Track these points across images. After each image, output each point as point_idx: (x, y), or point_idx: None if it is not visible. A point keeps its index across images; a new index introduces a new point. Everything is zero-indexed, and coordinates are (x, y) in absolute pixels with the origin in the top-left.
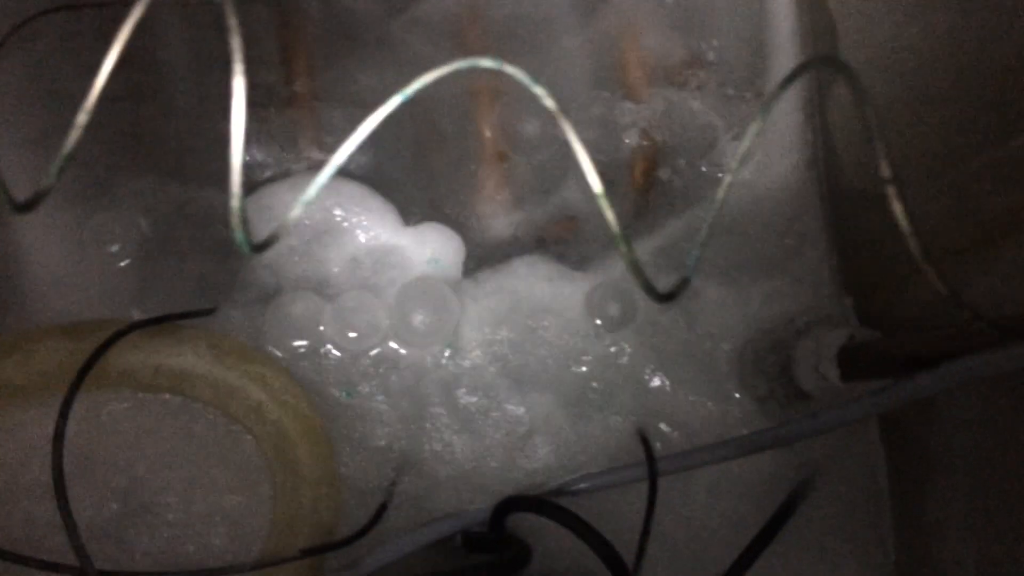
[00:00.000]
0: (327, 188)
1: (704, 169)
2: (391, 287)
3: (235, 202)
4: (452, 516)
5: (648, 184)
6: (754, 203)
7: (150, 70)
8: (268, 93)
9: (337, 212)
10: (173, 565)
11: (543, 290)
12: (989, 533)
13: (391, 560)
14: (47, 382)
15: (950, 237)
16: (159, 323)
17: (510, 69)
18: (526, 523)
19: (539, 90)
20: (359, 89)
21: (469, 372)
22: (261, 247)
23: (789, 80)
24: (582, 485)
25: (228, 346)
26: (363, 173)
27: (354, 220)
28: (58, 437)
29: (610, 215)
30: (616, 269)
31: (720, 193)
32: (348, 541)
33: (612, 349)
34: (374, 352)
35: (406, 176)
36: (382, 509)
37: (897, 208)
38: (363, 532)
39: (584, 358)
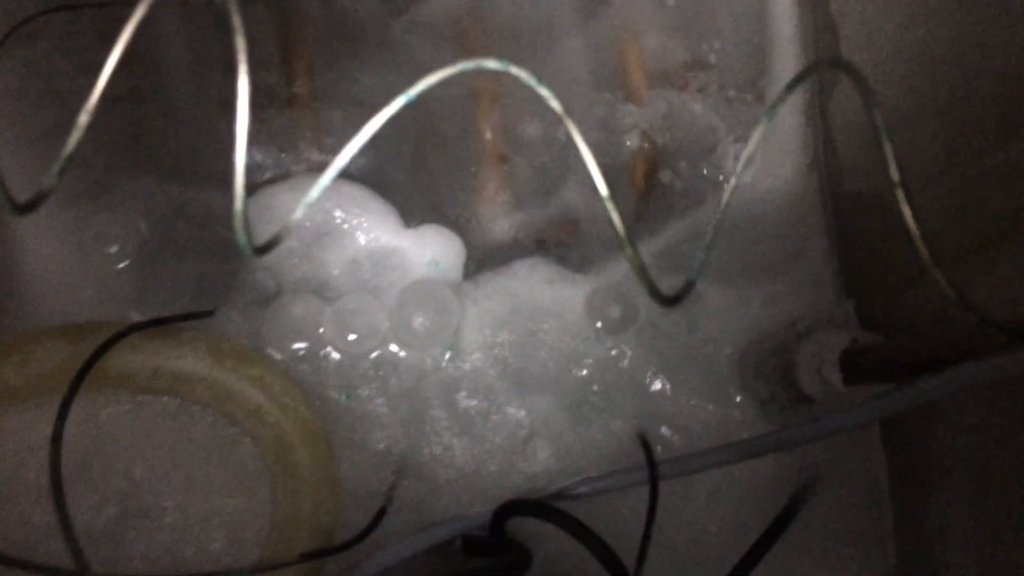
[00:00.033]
0: (327, 189)
1: (705, 172)
2: (391, 289)
3: (238, 204)
4: (452, 520)
5: (649, 186)
6: (755, 206)
7: (150, 70)
8: (268, 94)
9: (337, 214)
10: (171, 569)
11: (544, 292)
12: (991, 539)
13: (390, 564)
14: (45, 384)
15: (951, 240)
16: (158, 325)
17: (516, 71)
18: (526, 527)
19: (545, 91)
20: (359, 90)
21: (469, 375)
22: (263, 249)
23: (796, 82)
24: (582, 489)
25: (227, 348)
26: (363, 175)
27: (354, 222)
28: (56, 439)
29: (617, 218)
30: (617, 272)
31: (725, 196)
32: (347, 545)
33: (613, 352)
34: (374, 355)
35: (407, 178)
36: (381, 513)
37: (906, 211)
38: (362, 536)
39: (585, 361)
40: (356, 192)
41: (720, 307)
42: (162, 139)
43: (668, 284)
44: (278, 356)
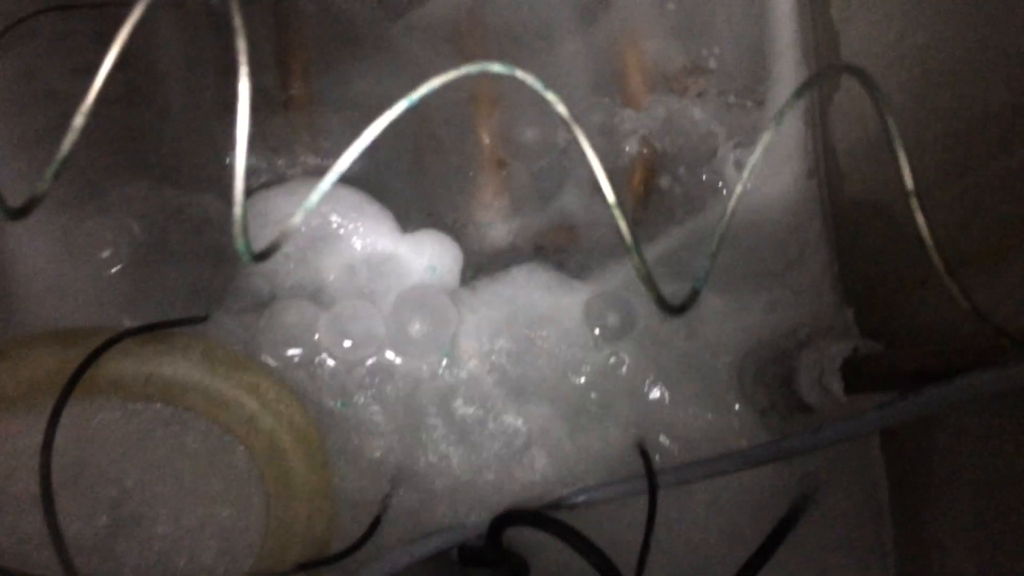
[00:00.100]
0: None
1: (705, 177)
2: (388, 295)
3: (237, 209)
4: (448, 530)
5: (648, 192)
6: (754, 213)
7: (144, 72)
8: (263, 97)
9: (333, 218)
10: None
11: (542, 299)
12: (993, 550)
13: (386, 575)
14: (36, 390)
15: (955, 248)
16: (151, 331)
17: (522, 75)
18: (523, 537)
19: (551, 96)
20: (357, 93)
21: (466, 382)
22: (262, 256)
23: (805, 87)
24: (580, 498)
25: (221, 355)
26: (360, 179)
27: (350, 227)
28: (46, 447)
29: (624, 226)
30: (615, 278)
31: (731, 204)
32: (342, 555)
33: (611, 360)
34: (370, 362)
35: (404, 183)
36: (376, 522)
37: (920, 220)
38: (357, 546)
39: (583, 369)
40: (352, 197)
41: (719, 314)
42: (156, 142)
43: (668, 291)
44: (272, 363)
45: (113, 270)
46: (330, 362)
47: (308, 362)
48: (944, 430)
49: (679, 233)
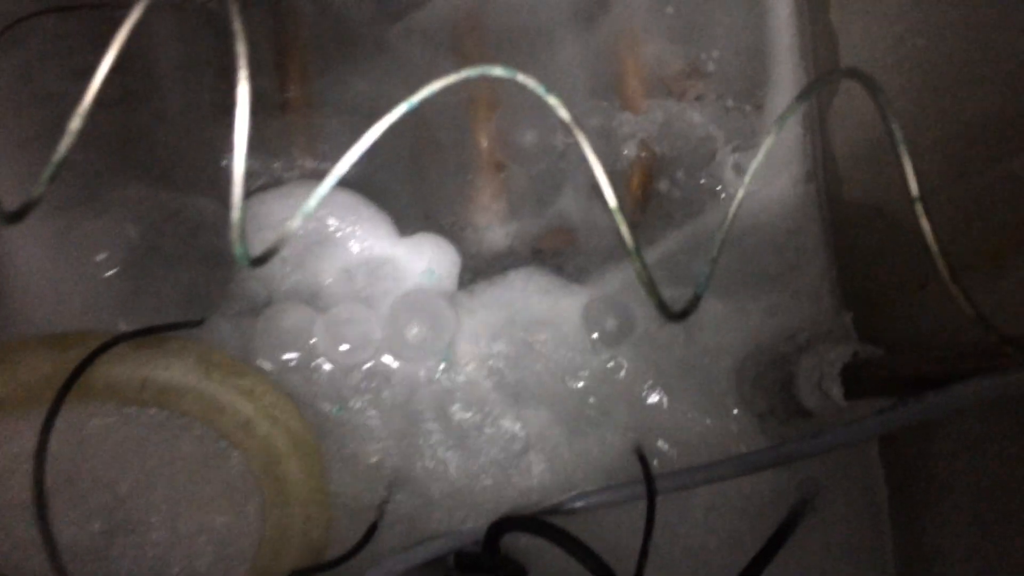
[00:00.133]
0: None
1: (703, 181)
2: (385, 299)
3: (235, 214)
4: (445, 536)
5: (646, 196)
6: (753, 217)
7: (141, 75)
8: (260, 99)
9: (330, 222)
10: None
11: (539, 303)
12: (991, 556)
13: None
14: (30, 395)
15: (953, 253)
16: (146, 335)
17: (523, 78)
18: (521, 543)
19: (553, 100)
20: (354, 96)
21: (463, 387)
22: (260, 260)
23: (808, 91)
24: (578, 504)
25: (217, 359)
26: (357, 182)
27: (347, 230)
28: (40, 452)
29: (625, 230)
30: (614, 282)
31: (732, 208)
32: (338, 561)
33: (609, 364)
34: (366, 366)
35: (401, 185)
36: (373, 528)
37: (926, 226)
38: (354, 552)
39: (581, 373)
40: (349, 200)
41: (718, 318)
42: (152, 144)
43: (666, 296)
44: (269, 367)
45: (109, 273)
46: (326, 366)
47: (304, 366)
48: (943, 436)
49: (677, 237)
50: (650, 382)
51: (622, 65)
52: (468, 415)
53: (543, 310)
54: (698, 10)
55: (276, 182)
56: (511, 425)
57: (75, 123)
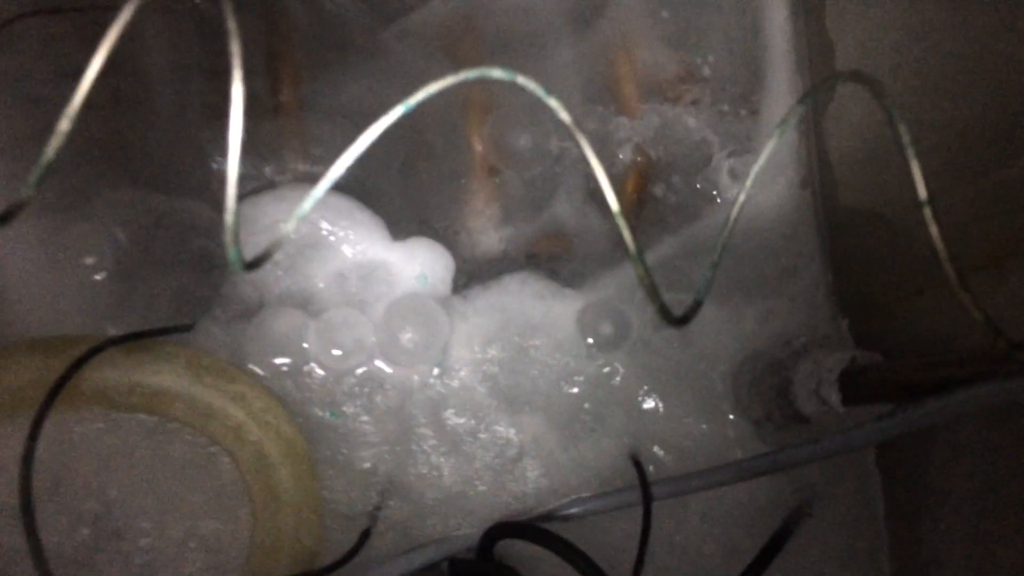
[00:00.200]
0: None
1: (699, 186)
2: (378, 304)
3: (229, 217)
4: (439, 542)
5: (642, 200)
6: (748, 222)
7: (130, 77)
8: (253, 103)
9: (323, 225)
10: None
11: (534, 308)
12: (988, 564)
13: None
14: (17, 400)
15: (954, 259)
16: (135, 339)
17: (523, 80)
18: (516, 549)
19: (553, 102)
20: (347, 100)
21: (457, 392)
22: (253, 264)
23: (810, 93)
24: (573, 510)
25: (207, 364)
26: (350, 186)
27: (341, 234)
28: (27, 458)
29: (627, 234)
30: (609, 287)
31: (733, 212)
32: (331, 568)
33: (605, 369)
34: (359, 371)
35: (395, 189)
36: (366, 535)
37: (934, 231)
38: (346, 559)
39: (576, 378)
40: (343, 203)
41: (714, 324)
42: (142, 147)
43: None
44: (260, 372)
45: (97, 277)
46: (319, 371)
47: (296, 371)
48: (940, 443)
49: (673, 242)
50: (646, 387)
51: (617, 69)
52: (462, 420)
53: (538, 315)
54: (693, 14)
55: (268, 185)
56: (505, 431)
57: (64, 124)
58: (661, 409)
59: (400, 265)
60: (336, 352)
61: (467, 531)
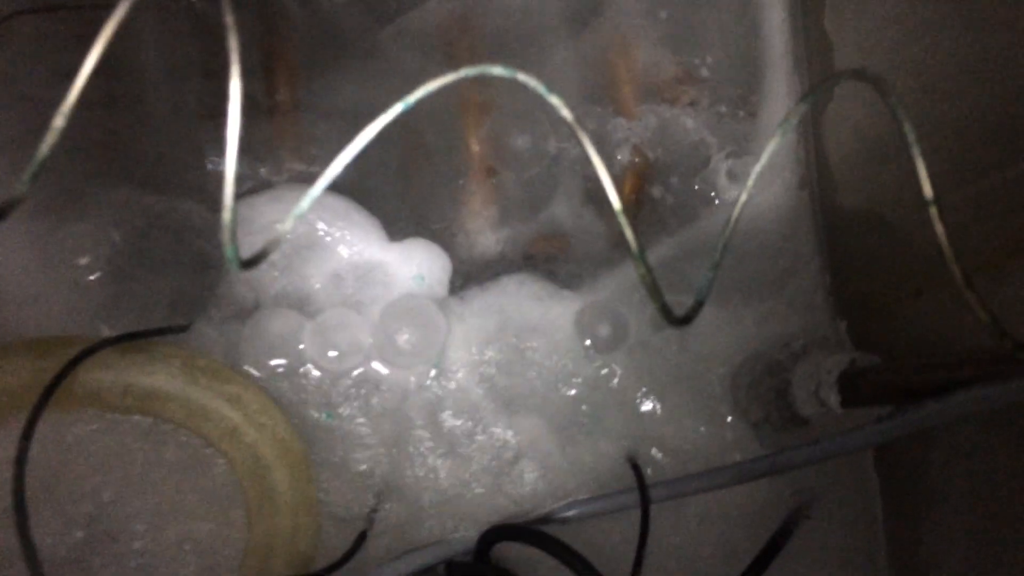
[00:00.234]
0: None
1: (697, 187)
2: (375, 305)
3: (226, 214)
4: (435, 545)
5: (640, 201)
6: (746, 224)
7: (125, 76)
8: (249, 103)
9: (320, 226)
10: None
11: (532, 309)
12: (987, 567)
13: None
14: (10, 401)
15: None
16: (130, 340)
17: (524, 78)
18: (513, 552)
19: (555, 100)
20: (344, 100)
21: (454, 394)
22: (251, 263)
23: (812, 92)
24: (571, 512)
25: (202, 365)
26: (347, 186)
27: (337, 235)
28: (20, 460)
29: (629, 233)
30: (607, 288)
31: (735, 213)
32: (326, 571)
33: (602, 371)
34: (356, 372)
35: (391, 190)
36: (362, 537)
37: (940, 230)
38: (342, 562)
39: (574, 380)
40: (339, 204)
41: (712, 325)
42: (137, 147)
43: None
44: (256, 373)
45: (91, 277)
46: (315, 373)
47: (292, 373)
48: (939, 445)
49: (671, 243)
50: (643, 389)
51: (615, 70)
52: (459, 422)
53: (535, 316)
54: (692, 15)
55: (264, 186)
56: (503, 432)
57: (59, 121)
58: (659, 411)
59: (397, 266)
60: (332, 353)
61: (464, 534)
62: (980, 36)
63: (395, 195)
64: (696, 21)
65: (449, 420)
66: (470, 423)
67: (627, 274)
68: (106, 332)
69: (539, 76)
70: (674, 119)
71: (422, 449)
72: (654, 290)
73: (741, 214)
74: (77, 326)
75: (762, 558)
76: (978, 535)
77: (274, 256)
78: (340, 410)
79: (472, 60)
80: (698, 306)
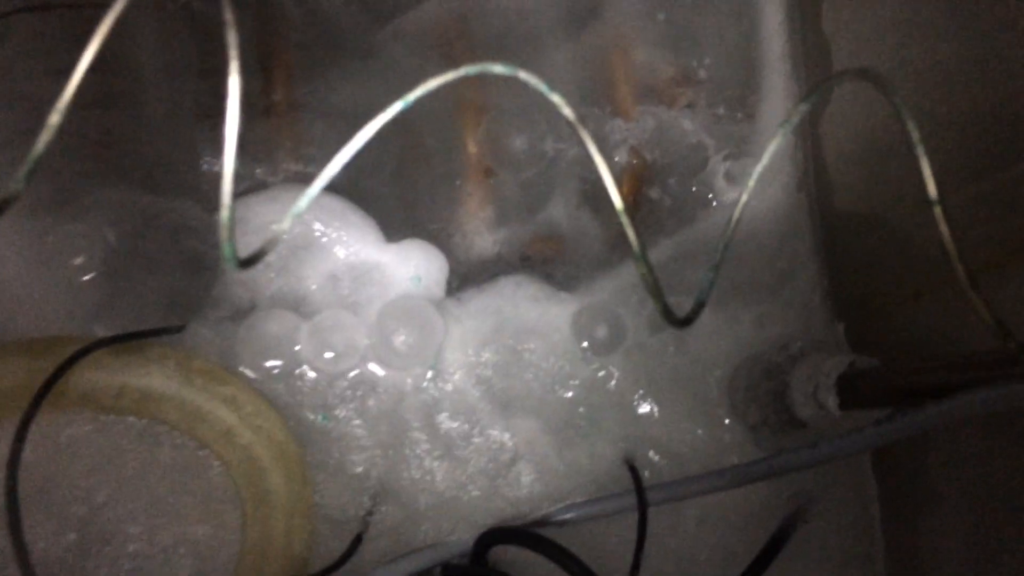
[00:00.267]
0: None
1: (695, 189)
2: (371, 306)
3: (224, 212)
4: (431, 548)
5: (637, 203)
6: (744, 226)
7: (121, 75)
8: (246, 103)
9: (316, 227)
10: None
11: (529, 311)
12: (985, 570)
13: None
14: (3, 402)
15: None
16: (124, 341)
17: (525, 76)
18: (509, 555)
19: (556, 98)
20: (341, 100)
21: (451, 396)
22: (248, 262)
23: (816, 89)
24: (568, 515)
25: (197, 366)
26: (344, 187)
27: (334, 235)
28: (13, 461)
29: (631, 232)
30: (604, 290)
31: (736, 213)
32: (322, 574)
33: (600, 373)
34: (352, 374)
35: (388, 191)
36: (358, 540)
37: (944, 231)
38: (338, 565)
39: (571, 382)
40: (336, 205)
41: (709, 328)
42: (133, 147)
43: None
44: (251, 375)
45: (86, 278)
46: (311, 374)
47: (288, 374)
48: (936, 448)
49: (669, 245)
50: (641, 392)
51: (613, 71)
52: (456, 424)
53: (532, 318)
54: (690, 17)
55: (260, 186)
56: (499, 435)
57: (55, 118)
58: (656, 413)
59: (393, 267)
60: (328, 355)
61: (460, 536)
62: (979, 36)
63: (392, 196)
64: (694, 23)
65: (446, 422)
66: (467, 425)
67: (624, 276)
68: (101, 333)
69: (538, 77)
70: (672, 121)
71: (418, 451)
72: (656, 290)
73: (741, 215)
74: (71, 327)
75: (760, 561)
76: (976, 538)
77: (270, 257)
78: (336, 412)
79: (470, 60)
80: (699, 307)
